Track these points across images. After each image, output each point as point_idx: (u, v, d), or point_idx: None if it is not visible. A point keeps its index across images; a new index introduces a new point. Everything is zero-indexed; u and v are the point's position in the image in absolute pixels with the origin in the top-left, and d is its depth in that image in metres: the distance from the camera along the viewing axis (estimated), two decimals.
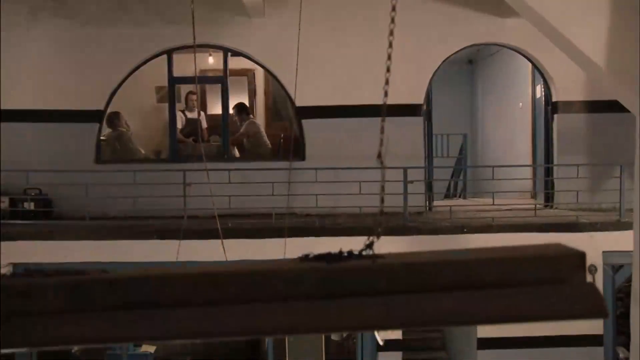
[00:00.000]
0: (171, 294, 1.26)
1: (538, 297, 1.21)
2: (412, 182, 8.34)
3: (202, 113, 11.29)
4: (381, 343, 8.79)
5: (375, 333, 8.17)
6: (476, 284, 1.23)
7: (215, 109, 11.11)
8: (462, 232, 8.39)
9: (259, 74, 12.32)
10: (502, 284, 1.22)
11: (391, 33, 1.68)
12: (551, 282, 1.22)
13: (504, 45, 10.30)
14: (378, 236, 1.35)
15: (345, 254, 1.32)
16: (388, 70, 1.65)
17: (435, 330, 11.62)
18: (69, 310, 1.24)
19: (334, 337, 10.89)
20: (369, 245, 1.33)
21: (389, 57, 1.65)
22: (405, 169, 8.31)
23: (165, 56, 9.76)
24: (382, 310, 1.23)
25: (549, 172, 10.00)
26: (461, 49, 10.01)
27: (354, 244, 1.42)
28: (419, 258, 1.33)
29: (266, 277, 1.27)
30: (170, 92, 9.63)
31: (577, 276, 1.23)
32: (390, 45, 1.66)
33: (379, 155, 1.61)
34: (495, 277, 1.23)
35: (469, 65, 14.98)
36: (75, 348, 8.87)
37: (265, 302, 1.24)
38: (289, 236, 7.77)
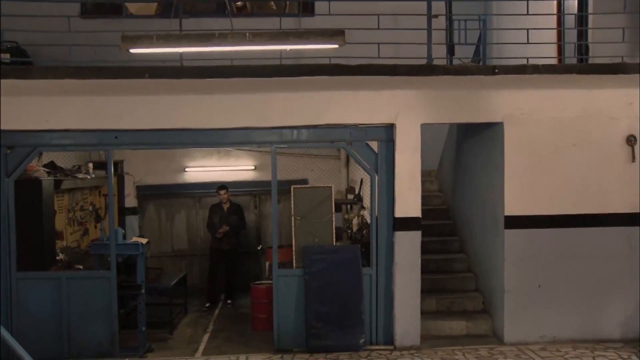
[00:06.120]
0: None
1: None
2: (436, 16, 7.40)
3: None
4: None
5: None
6: None
7: None
8: (493, 73, 7.43)
9: None
10: None
11: None
12: None
13: None
14: None
15: None
16: None
17: (454, 234, 10.73)
18: None
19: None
20: None
21: None
22: (429, 1, 7.34)
23: None
24: None
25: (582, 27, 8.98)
26: None
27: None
28: None
29: None
30: None
31: None
32: None
33: None
34: None
35: None
36: None
37: None
38: None
